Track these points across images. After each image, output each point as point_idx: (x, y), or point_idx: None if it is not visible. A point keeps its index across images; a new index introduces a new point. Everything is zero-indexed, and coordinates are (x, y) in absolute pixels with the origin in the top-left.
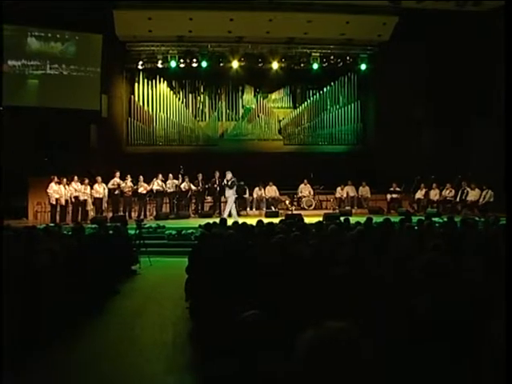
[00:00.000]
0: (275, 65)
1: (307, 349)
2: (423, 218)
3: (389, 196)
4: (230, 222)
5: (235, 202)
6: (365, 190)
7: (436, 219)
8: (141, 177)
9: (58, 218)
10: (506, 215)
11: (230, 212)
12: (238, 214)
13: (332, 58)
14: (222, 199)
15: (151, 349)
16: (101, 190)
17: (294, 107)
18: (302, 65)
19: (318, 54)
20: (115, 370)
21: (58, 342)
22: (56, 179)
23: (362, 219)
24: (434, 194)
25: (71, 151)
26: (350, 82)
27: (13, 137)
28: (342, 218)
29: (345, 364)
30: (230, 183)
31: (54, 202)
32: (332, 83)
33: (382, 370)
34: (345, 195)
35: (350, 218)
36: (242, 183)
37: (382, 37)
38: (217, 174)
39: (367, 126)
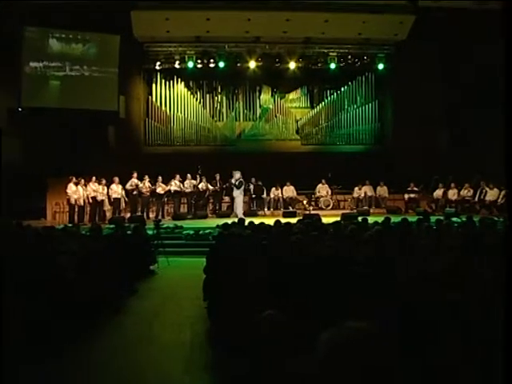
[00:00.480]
0: (292, 65)
1: (327, 349)
2: (442, 217)
3: (407, 196)
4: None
5: (253, 201)
6: (383, 190)
7: (454, 219)
8: (159, 177)
9: (76, 218)
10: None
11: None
12: (255, 214)
13: (349, 57)
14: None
15: (169, 348)
16: (118, 190)
17: (312, 107)
18: (319, 64)
19: (335, 54)
20: (134, 369)
21: (77, 341)
22: (74, 180)
23: (380, 219)
24: (453, 194)
25: (89, 152)
26: (367, 82)
27: (32, 137)
28: (359, 218)
29: (364, 364)
30: (237, 183)
31: (73, 203)
32: (349, 83)
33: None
34: (362, 195)
35: (368, 218)
36: (260, 183)
37: (398, 36)
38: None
39: (385, 126)
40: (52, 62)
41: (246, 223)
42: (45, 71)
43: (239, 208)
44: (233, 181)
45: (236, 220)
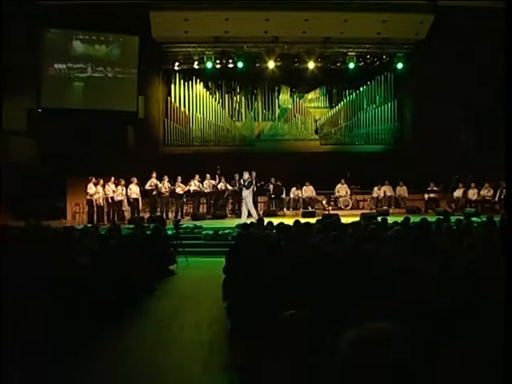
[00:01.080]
0: (311, 64)
1: (349, 349)
2: (462, 217)
3: (426, 195)
4: (249, 222)
5: (272, 202)
6: (402, 190)
7: (474, 219)
8: (179, 177)
9: (95, 218)
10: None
11: (248, 212)
12: (275, 214)
13: (368, 57)
14: (259, 199)
15: (188, 348)
16: (136, 190)
17: (331, 107)
18: (338, 64)
19: (354, 54)
20: (153, 369)
21: (95, 342)
22: (94, 180)
23: (400, 219)
24: (473, 194)
25: (108, 152)
26: (386, 82)
27: (51, 138)
28: (379, 218)
29: (385, 364)
30: (246, 183)
31: (93, 203)
32: (368, 82)
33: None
34: (382, 195)
35: (388, 218)
36: (279, 183)
37: (418, 35)
38: (254, 174)
39: (404, 125)
40: (75, 63)
41: (265, 223)
42: (68, 72)
43: (249, 207)
44: (241, 181)
45: (254, 220)
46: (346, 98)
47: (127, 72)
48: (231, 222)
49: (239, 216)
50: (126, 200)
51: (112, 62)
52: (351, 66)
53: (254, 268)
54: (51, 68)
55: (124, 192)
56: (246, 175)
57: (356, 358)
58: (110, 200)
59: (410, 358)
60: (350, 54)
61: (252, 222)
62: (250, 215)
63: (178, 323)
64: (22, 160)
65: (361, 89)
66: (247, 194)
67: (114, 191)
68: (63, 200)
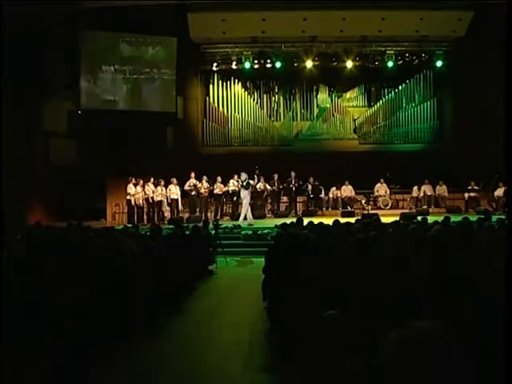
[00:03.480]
0: (349, 63)
1: (392, 350)
2: (503, 217)
3: (467, 195)
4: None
5: (311, 201)
6: (442, 189)
7: None
8: (218, 177)
9: (135, 218)
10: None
11: (245, 215)
12: (313, 214)
13: (407, 55)
14: (298, 199)
15: (228, 348)
16: (176, 191)
17: (369, 106)
18: (376, 63)
19: (392, 52)
20: (193, 368)
21: (136, 340)
22: (133, 181)
23: (440, 218)
24: None
25: (148, 153)
26: (425, 80)
27: (91, 139)
28: (419, 218)
29: (430, 365)
30: (245, 183)
31: (132, 203)
32: (407, 81)
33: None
34: (422, 194)
35: (428, 218)
36: (318, 183)
37: (457, 32)
38: (293, 174)
39: (444, 124)
40: (119, 65)
41: (305, 223)
42: (111, 74)
43: (248, 211)
44: (240, 182)
45: (294, 220)
46: (384, 96)
47: (166, 73)
48: (270, 222)
49: (278, 216)
50: (165, 200)
51: (151, 64)
52: (390, 64)
53: (293, 268)
54: (100, 70)
55: (163, 192)
56: (243, 175)
57: (400, 359)
58: (149, 200)
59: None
60: (388, 52)
61: (292, 222)
62: (246, 218)
63: (218, 323)
64: (62, 161)
65: (400, 87)
66: (245, 195)
67: (153, 191)
68: (103, 200)
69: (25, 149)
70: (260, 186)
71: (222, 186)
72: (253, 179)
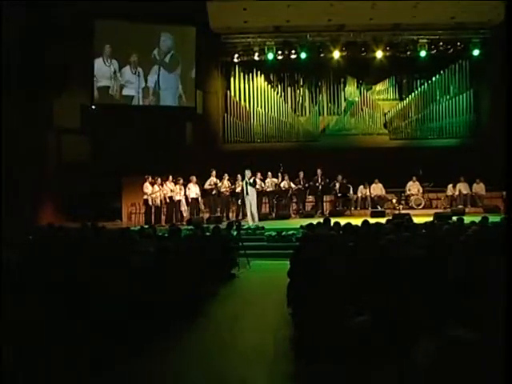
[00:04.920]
0: (379, 54)
1: (427, 358)
2: None
3: (505, 193)
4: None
5: (339, 201)
6: (479, 187)
7: None
8: (239, 176)
9: (152, 219)
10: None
11: (252, 216)
12: (341, 214)
13: (441, 44)
14: (325, 198)
15: (251, 356)
16: (196, 190)
17: (401, 99)
18: (408, 53)
19: (425, 41)
20: (212, 377)
21: (154, 345)
22: (150, 179)
23: (477, 219)
24: None
25: (166, 150)
26: (461, 70)
27: (106, 136)
28: (454, 218)
29: (467, 373)
30: (252, 181)
31: (149, 203)
32: (441, 71)
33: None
34: (457, 193)
35: (464, 218)
36: (346, 181)
37: (495, 19)
38: (319, 172)
39: (481, 117)
40: (135, 57)
41: (332, 224)
42: (128, 67)
43: (254, 208)
44: (246, 179)
45: (321, 220)
46: (417, 88)
47: (184, 66)
48: (295, 223)
49: (304, 216)
50: (184, 200)
51: (168, 56)
52: (422, 54)
53: (321, 271)
54: (109, 63)
55: (182, 191)
56: (248, 172)
57: (436, 366)
58: (167, 200)
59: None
60: (421, 41)
61: (318, 223)
62: (253, 219)
63: (240, 328)
64: (76, 159)
65: (433, 78)
66: (252, 194)
67: (171, 190)
68: (119, 200)
69: (36, 145)
70: (284, 184)
71: None
72: (277, 177)
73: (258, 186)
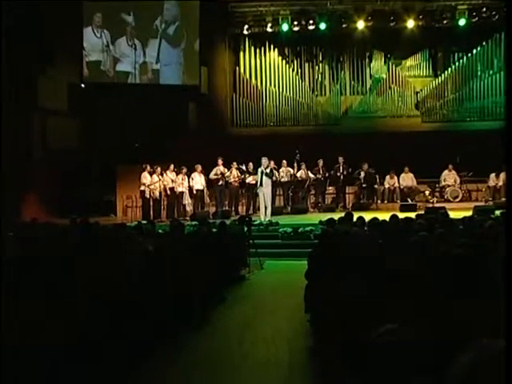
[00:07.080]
0: (411, 23)
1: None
2: None
3: None
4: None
5: (364, 192)
6: None
7: None
8: (250, 164)
9: (151, 213)
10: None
11: (265, 210)
12: (366, 208)
13: (483, 10)
14: (348, 190)
15: (264, 367)
16: (201, 180)
17: (435, 75)
18: (444, 21)
19: (465, 7)
20: None
21: (156, 354)
22: (149, 168)
23: None
24: None
25: (166, 135)
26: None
27: (98, 118)
28: (497, 212)
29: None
30: (269, 171)
31: (148, 196)
32: (484, 43)
33: None
34: (500, 183)
35: None
36: (372, 170)
37: None
38: (340, 160)
39: None
40: (131, 29)
41: (355, 218)
42: (123, 40)
43: (267, 204)
44: (262, 168)
45: (343, 215)
46: (454, 63)
47: (187, 38)
48: (313, 218)
49: (323, 210)
50: (187, 191)
51: (168, 27)
52: (462, 22)
53: (343, 272)
54: (101, 36)
55: (186, 182)
56: (265, 161)
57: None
58: (168, 192)
59: None
60: (459, 7)
61: (340, 218)
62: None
63: (251, 337)
64: (63, 145)
65: (474, 51)
66: (267, 185)
67: (173, 181)
68: (112, 192)
69: (17, 130)
70: (301, 174)
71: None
72: (292, 166)
73: (274, 178)
